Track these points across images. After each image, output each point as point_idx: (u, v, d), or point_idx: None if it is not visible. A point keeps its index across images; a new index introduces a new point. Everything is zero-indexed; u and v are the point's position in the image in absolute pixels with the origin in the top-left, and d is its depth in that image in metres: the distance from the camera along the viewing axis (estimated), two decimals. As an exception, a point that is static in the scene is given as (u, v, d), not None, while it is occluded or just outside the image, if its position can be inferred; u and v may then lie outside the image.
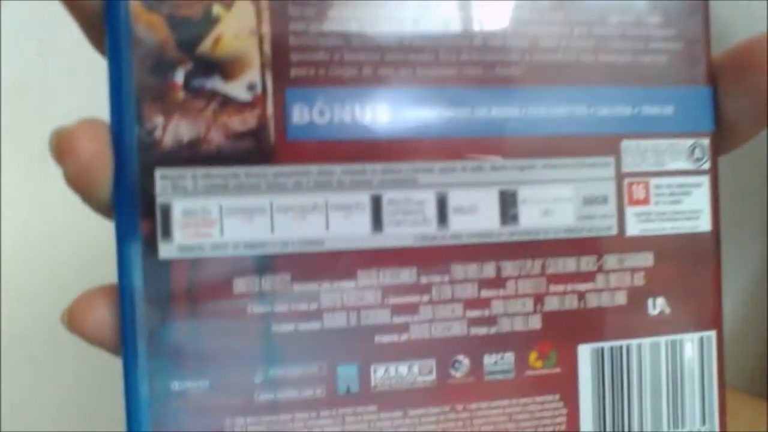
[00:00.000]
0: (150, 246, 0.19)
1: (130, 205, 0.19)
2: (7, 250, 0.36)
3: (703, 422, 0.23)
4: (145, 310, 0.19)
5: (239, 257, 0.20)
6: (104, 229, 0.21)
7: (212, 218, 0.19)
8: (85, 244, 0.34)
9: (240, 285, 0.20)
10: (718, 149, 0.23)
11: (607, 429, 0.22)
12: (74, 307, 0.20)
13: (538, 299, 0.21)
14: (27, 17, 0.37)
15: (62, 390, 0.37)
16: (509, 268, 0.21)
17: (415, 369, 0.21)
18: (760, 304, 0.40)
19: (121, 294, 0.19)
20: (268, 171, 0.20)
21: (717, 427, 0.23)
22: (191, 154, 0.19)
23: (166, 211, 0.19)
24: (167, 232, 0.19)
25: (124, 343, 0.19)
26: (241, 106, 0.19)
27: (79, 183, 0.19)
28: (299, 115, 0.20)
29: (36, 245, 0.35)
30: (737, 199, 0.22)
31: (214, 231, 0.19)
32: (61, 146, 0.19)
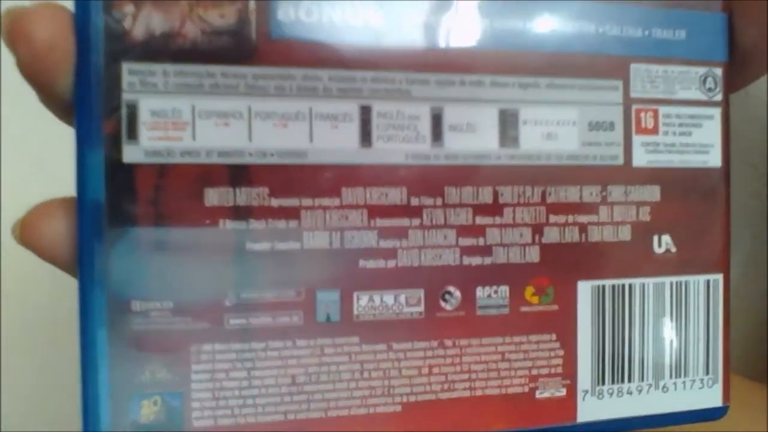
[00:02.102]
0: (113, 149, 0.17)
1: (93, 103, 0.17)
2: (7, 249, 0.35)
3: (707, 371, 0.21)
4: (105, 221, 0.17)
5: (212, 165, 0.18)
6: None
7: (183, 120, 0.17)
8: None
9: (212, 197, 0.18)
10: (730, 83, 0.21)
11: (606, 374, 0.20)
12: (28, 218, 0.18)
13: (537, 230, 0.20)
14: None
15: (63, 390, 0.36)
16: (507, 194, 0.19)
17: (402, 299, 0.19)
18: (753, 286, 0.39)
19: (80, 202, 0.17)
20: (248, 72, 0.18)
21: (721, 379, 0.21)
22: (163, 49, 0.17)
23: (133, 110, 0.17)
24: (133, 134, 0.17)
25: (80, 258, 0.17)
26: (221, -1, 0.18)
27: (34, 72, 0.17)
28: (284, 11, 0.18)
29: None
30: (735, 206, 0.21)
31: (185, 135, 0.17)
32: (15, 28, 0.17)
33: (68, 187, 0.18)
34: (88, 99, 0.17)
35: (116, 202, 0.17)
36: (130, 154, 0.17)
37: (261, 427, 0.18)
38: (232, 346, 0.18)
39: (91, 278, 0.17)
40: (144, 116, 0.17)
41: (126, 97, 0.17)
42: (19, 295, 0.36)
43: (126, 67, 0.17)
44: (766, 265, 0.39)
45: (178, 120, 0.17)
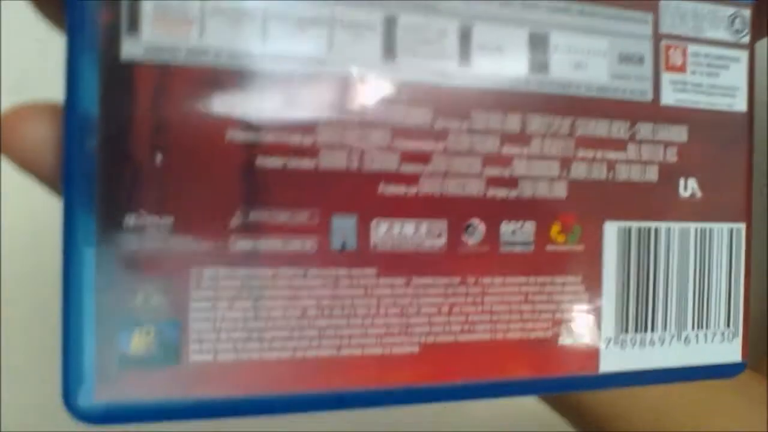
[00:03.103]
0: (110, 42, 0.15)
1: None
2: (7, 248, 0.35)
3: (728, 324, 0.20)
4: (98, 125, 0.15)
5: (221, 68, 0.16)
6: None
7: (191, 16, 0.15)
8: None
9: (220, 103, 0.16)
10: (757, 25, 0.20)
11: (629, 322, 0.19)
12: (6, 118, 0.16)
13: (565, 164, 0.18)
14: (27, 17, 0.34)
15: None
16: (536, 123, 0.18)
17: (423, 229, 0.17)
18: (753, 285, 0.39)
19: (68, 104, 0.15)
20: None
21: (741, 332, 0.20)
22: None
23: None
24: (134, 26, 0.15)
25: (66, 166, 0.15)
26: None
27: None
28: None
29: (37, 244, 0.33)
30: None
31: (192, 31, 0.15)
32: None
33: None
34: None
35: (110, 104, 0.15)
36: (130, 49, 0.15)
37: (266, 364, 0.16)
38: (236, 272, 0.16)
39: (78, 190, 0.15)
40: (147, 6, 0.15)
41: None
42: (20, 294, 0.36)
43: None
44: (766, 265, 0.39)
45: (185, 13, 0.15)
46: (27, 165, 0.16)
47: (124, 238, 0.15)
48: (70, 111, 0.15)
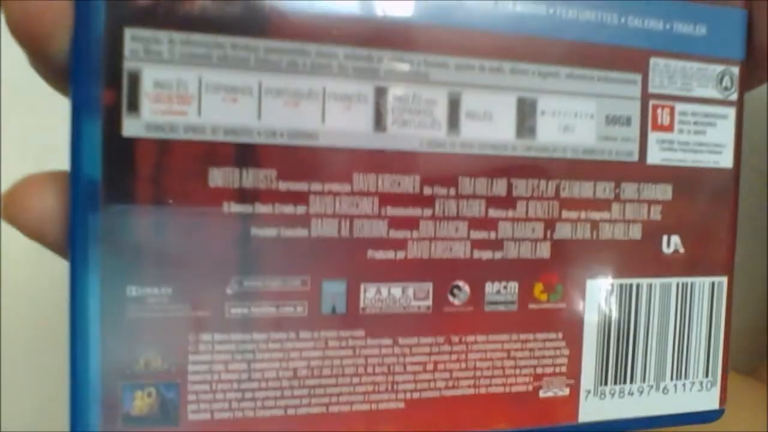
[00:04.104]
0: (112, 121, 0.16)
1: (92, 69, 0.16)
2: (7, 248, 0.35)
3: (707, 374, 0.21)
4: (101, 198, 0.16)
5: (218, 143, 0.16)
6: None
7: (189, 93, 0.16)
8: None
9: (217, 177, 0.16)
10: (745, 81, 0.21)
11: (609, 374, 0.20)
12: (14, 190, 0.16)
13: (549, 225, 0.19)
14: None
15: (63, 389, 0.34)
16: (521, 186, 0.19)
17: (410, 292, 0.18)
18: (753, 286, 0.39)
19: (73, 178, 0.16)
20: (260, 44, 0.17)
21: (719, 382, 0.21)
22: (170, 15, 0.16)
23: (135, 80, 0.16)
24: (134, 105, 0.16)
25: (72, 239, 0.16)
26: (234, -35, 0.16)
27: (25, 33, 0.15)
28: (301, -18, 0.17)
29: (37, 243, 0.33)
30: None
31: (190, 109, 0.16)
32: None
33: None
34: (86, 65, 0.16)
35: (113, 179, 0.16)
36: (131, 127, 0.16)
37: (260, 421, 0.17)
38: (232, 336, 0.17)
39: (83, 260, 0.16)
40: (147, 87, 0.16)
41: (128, 65, 0.16)
42: (20, 294, 0.36)
43: (129, 32, 0.16)
44: (766, 266, 0.39)
45: (183, 93, 0.16)
46: (35, 234, 0.17)
47: (126, 307, 0.16)
48: (75, 184, 0.16)
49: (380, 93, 0.17)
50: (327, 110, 0.17)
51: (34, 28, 0.15)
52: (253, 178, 0.17)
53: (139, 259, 0.16)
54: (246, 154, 0.17)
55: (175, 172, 0.16)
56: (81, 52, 0.16)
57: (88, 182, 0.16)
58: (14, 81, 0.30)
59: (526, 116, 0.19)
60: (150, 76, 0.16)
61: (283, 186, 0.17)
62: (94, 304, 0.16)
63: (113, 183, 0.16)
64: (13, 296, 0.36)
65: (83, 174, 0.16)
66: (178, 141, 0.16)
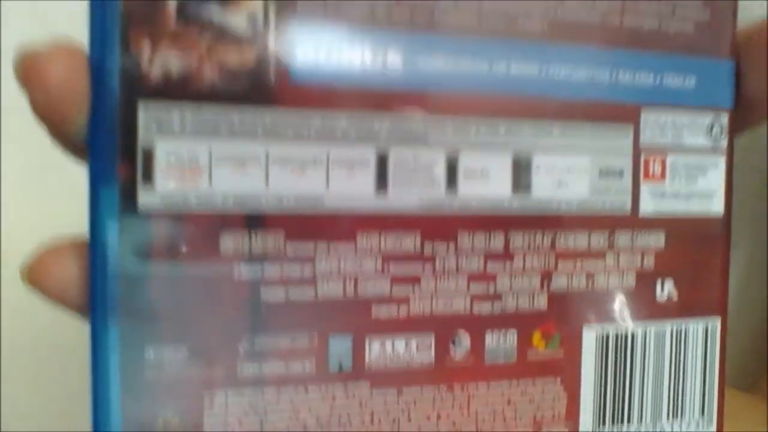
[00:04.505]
0: (128, 193, 0.17)
1: (108, 145, 0.17)
2: (7, 248, 0.35)
3: (702, 413, 0.22)
4: (119, 267, 0.17)
5: (228, 211, 0.17)
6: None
7: (200, 165, 0.17)
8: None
9: (227, 243, 0.17)
10: (734, 128, 0.22)
11: (606, 416, 0.21)
12: (37, 260, 0.17)
13: (546, 276, 0.20)
14: (27, 17, 0.35)
15: (63, 389, 0.36)
16: (518, 240, 0.19)
17: (413, 346, 0.19)
18: (754, 296, 0.40)
19: (92, 247, 0.17)
20: (267, 115, 0.17)
21: (715, 420, 0.22)
22: (180, 91, 0.17)
23: (149, 154, 0.17)
24: (149, 178, 0.17)
25: (92, 304, 0.17)
26: (240, 41, 0.17)
27: (46, 115, 0.16)
28: (304, 54, 0.18)
29: (37, 243, 0.33)
30: (735, 206, 0.22)
31: (201, 180, 0.17)
32: (29, 70, 0.16)
33: (68, 187, 0.17)
34: (102, 142, 0.17)
35: (130, 247, 0.17)
36: (146, 199, 0.17)
37: (271, 473, 0.18)
38: (245, 394, 0.18)
39: (103, 325, 0.17)
40: (160, 160, 0.17)
41: (142, 140, 0.17)
42: (20, 294, 0.35)
43: (143, 108, 0.17)
44: (766, 267, 0.40)
45: (194, 165, 0.17)
46: (57, 299, 0.18)
47: (145, 368, 0.17)
48: (93, 252, 0.17)
49: (381, 157, 0.18)
50: (331, 175, 0.18)
51: (53, 110, 0.16)
52: (261, 242, 0.18)
53: (156, 322, 0.17)
54: (255, 220, 0.17)
55: (188, 239, 0.17)
56: (97, 130, 0.17)
57: (106, 250, 0.17)
58: (14, 81, 0.31)
59: (521, 173, 0.19)
60: (163, 149, 0.17)
61: (291, 248, 0.18)
62: (114, 366, 0.17)
63: (130, 251, 0.17)
64: (14, 295, 0.35)
65: (101, 243, 0.17)
66: (190, 210, 0.17)
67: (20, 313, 0.36)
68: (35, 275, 0.17)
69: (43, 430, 0.36)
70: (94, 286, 0.17)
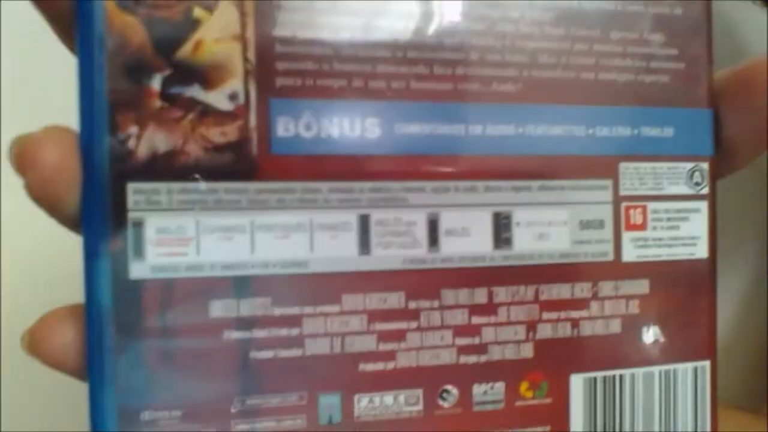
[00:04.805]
0: (120, 265, 0.18)
1: (100, 221, 0.18)
2: (7, 248, 0.35)
3: (695, 455, 0.22)
4: (114, 334, 0.18)
5: (216, 278, 0.18)
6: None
7: (188, 236, 0.18)
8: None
9: (217, 308, 0.18)
10: (716, 173, 0.22)
11: None
12: (36, 329, 0.18)
13: (531, 327, 0.20)
14: (27, 17, 0.36)
15: (63, 389, 0.35)
16: (501, 294, 0.20)
17: (401, 399, 0.19)
18: (753, 315, 0.39)
19: (88, 315, 0.18)
20: (250, 187, 0.18)
21: (708, 461, 0.22)
22: (167, 167, 0.18)
23: (139, 228, 0.18)
24: (139, 251, 0.18)
25: (89, 370, 0.18)
26: (222, 117, 0.18)
27: (42, 197, 0.17)
28: (284, 127, 0.18)
29: (37, 243, 0.34)
30: (735, 206, 0.21)
31: (189, 250, 0.18)
32: (23, 156, 0.17)
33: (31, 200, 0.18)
34: (94, 218, 0.18)
35: (124, 316, 0.18)
36: (137, 270, 0.18)
37: None
38: None
39: (100, 388, 0.18)
40: (150, 234, 0.18)
41: (132, 215, 0.18)
42: (20, 294, 0.36)
43: (131, 186, 0.18)
44: (766, 268, 0.39)
45: (183, 236, 0.18)
46: (56, 364, 0.19)
47: (141, 430, 0.18)
48: (89, 320, 0.18)
49: (363, 220, 0.19)
50: (315, 240, 0.19)
51: (48, 192, 0.17)
52: (249, 306, 0.18)
53: (151, 386, 0.18)
54: (242, 286, 0.18)
55: (179, 306, 0.18)
56: (89, 207, 0.18)
57: (101, 318, 0.18)
58: (14, 81, 0.32)
59: (501, 229, 0.20)
60: (152, 223, 0.18)
61: (278, 311, 0.19)
62: (112, 429, 0.18)
63: (124, 318, 0.18)
64: (15, 295, 0.36)
65: (96, 311, 0.18)
66: (180, 279, 0.18)
67: (20, 313, 0.35)
68: (35, 344, 0.18)
69: (43, 430, 0.36)
70: (91, 353, 0.18)
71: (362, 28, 0.19)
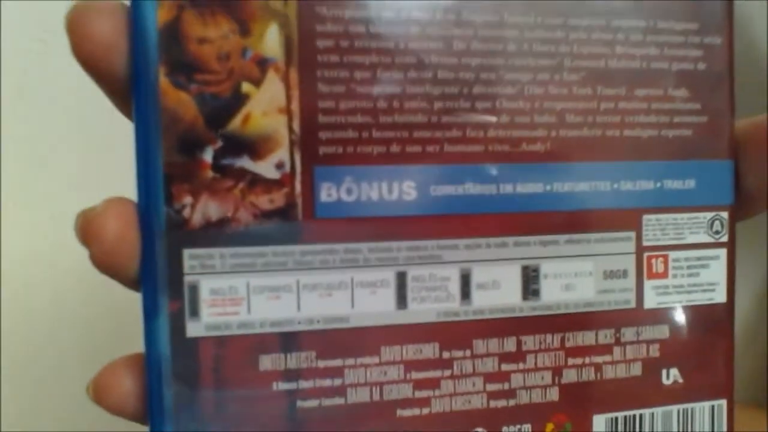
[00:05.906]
0: (177, 324, 0.19)
1: (158, 285, 0.19)
2: (7, 248, 0.36)
3: (712, 488, 0.23)
4: (172, 387, 0.19)
5: (265, 335, 0.20)
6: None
7: (239, 297, 0.19)
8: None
9: (266, 362, 0.20)
10: (735, 220, 0.23)
11: None
12: (99, 379, 0.20)
13: (557, 372, 0.22)
14: (27, 17, 0.37)
15: (63, 389, 0.38)
16: (530, 342, 0.21)
17: None
18: (761, 316, 0.40)
19: (149, 370, 0.19)
20: (296, 250, 0.20)
21: (724, 493, 0.23)
22: (219, 234, 0.19)
23: (194, 291, 0.19)
24: (195, 312, 0.19)
25: (150, 421, 0.19)
26: (270, 185, 0.19)
27: (105, 266, 0.19)
28: (327, 193, 0.20)
29: (37, 243, 0.35)
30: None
31: (241, 309, 0.19)
32: (87, 229, 0.19)
33: (67, 187, 0.19)
34: (153, 283, 0.19)
35: (181, 370, 0.19)
36: (193, 329, 0.19)
37: None
38: None
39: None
40: (204, 295, 0.19)
41: (188, 279, 0.19)
42: (20, 294, 0.37)
43: (187, 252, 0.19)
44: (766, 269, 0.40)
45: (234, 297, 0.19)
46: (117, 411, 0.20)
47: (197, 474, 0.20)
48: (150, 376, 0.19)
49: (400, 277, 0.20)
50: (355, 297, 0.20)
51: (111, 262, 0.19)
52: (296, 360, 0.20)
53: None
54: (289, 341, 0.20)
55: (231, 361, 0.20)
56: (148, 273, 0.19)
57: (161, 372, 0.19)
58: (14, 81, 0.32)
59: (530, 281, 0.21)
60: (206, 286, 0.19)
61: (322, 364, 0.20)
62: None
63: (181, 373, 0.19)
64: (15, 295, 0.36)
65: (156, 367, 0.19)
66: (232, 336, 0.19)
67: (20, 313, 0.36)
68: (99, 394, 0.20)
69: (43, 430, 0.38)
70: (152, 404, 0.19)
71: (399, 96, 0.20)
